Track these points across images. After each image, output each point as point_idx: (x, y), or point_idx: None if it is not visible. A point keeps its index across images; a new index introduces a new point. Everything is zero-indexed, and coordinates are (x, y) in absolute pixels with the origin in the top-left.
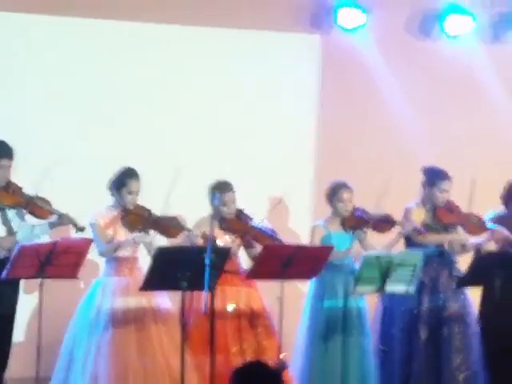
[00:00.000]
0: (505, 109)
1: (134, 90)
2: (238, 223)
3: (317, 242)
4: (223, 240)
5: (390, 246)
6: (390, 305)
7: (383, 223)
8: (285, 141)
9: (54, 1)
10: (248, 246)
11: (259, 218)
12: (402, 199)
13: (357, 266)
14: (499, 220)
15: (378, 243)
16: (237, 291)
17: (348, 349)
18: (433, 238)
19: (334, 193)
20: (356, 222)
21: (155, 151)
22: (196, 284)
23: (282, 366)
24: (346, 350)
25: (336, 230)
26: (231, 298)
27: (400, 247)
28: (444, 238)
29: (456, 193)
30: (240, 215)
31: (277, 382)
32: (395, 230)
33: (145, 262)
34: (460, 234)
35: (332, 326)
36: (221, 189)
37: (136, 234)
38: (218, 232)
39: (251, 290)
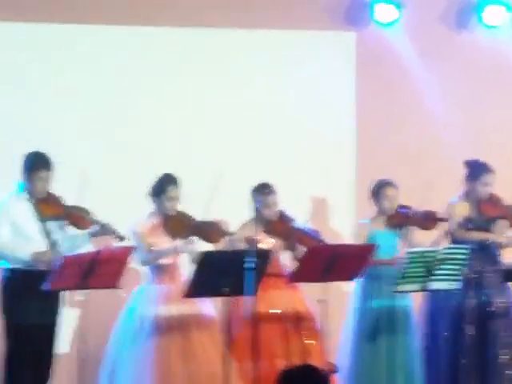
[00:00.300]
0: None
1: (170, 96)
2: (281, 225)
3: (362, 241)
4: (267, 243)
5: (435, 243)
6: (436, 302)
7: (428, 220)
8: (324, 141)
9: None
10: (291, 248)
11: (301, 219)
12: (445, 195)
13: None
14: None
15: (424, 241)
16: (281, 294)
17: (395, 349)
18: (476, 235)
19: (379, 190)
20: (401, 220)
21: (195, 156)
22: (238, 289)
23: (330, 370)
24: (392, 349)
25: (381, 229)
26: (275, 302)
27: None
28: (486, 236)
29: (497, 186)
30: (282, 217)
31: None
32: (441, 227)
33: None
34: (502, 228)
35: (379, 326)
36: (262, 191)
37: (178, 242)
38: (261, 235)
39: (295, 292)
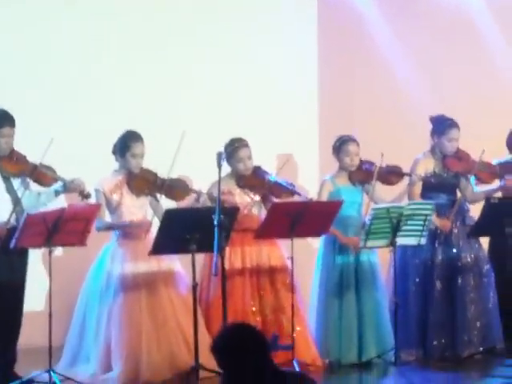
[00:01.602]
0: (504, 54)
1: (136, 52)
2: (255, 179)
3: (324, 197)
4: (241, 198)
5: (399, 197)
6: (404, 257)
7: (391, 175)
8: (288, 100)
9: None
10: (266, 201)
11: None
12: (408, 150)
13: (366, 219)
14: (504, 167)
15: (388, 195)
16: (257, 250)
17: (362, 303)
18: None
19: (340, 147)
20: (363, 176)
21: (160, 114)
22: (206, 246)
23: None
24: (360, 304)
25: (344, 184)
26: (251, 257)
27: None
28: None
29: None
30: (257, 171)
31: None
32: (404, 182)
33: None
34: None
35: (345, 281)
36: (235, 146)
37: (134, 220)
38: (235, 190)
39: (272, 247)
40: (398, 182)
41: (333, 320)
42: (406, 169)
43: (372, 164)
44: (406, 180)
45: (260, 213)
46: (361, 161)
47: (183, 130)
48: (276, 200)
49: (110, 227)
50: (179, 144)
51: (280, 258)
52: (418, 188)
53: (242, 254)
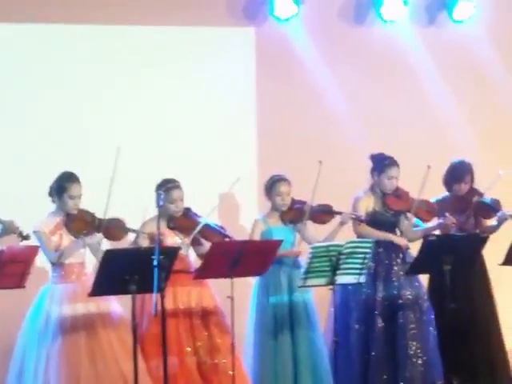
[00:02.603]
0: (440, 91)
1: (72, 88)
2: (186, 221)
3: (257, 237)
4: (172, 239)
5: (330, 236)
6: (345, 296)
7: (323, 214)
8: (226, 137)
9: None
10: (196, 244)
11: (209, 215)
12: (350, 189)
13: (300, 258)
14: (442, 204)
15: (319, 234)
16: (188, 291)
17: (297, 343)
18: (368, 232)
19: (272, 187)
20: (295, 215)
21: (93, 153)
22: (145, 286)
23: None
24: (295, 344)
25: (276, 224)
26: (182, 299)
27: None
28: (380, 236)
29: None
30: (187, 213)
31: None
32: (336, 221)
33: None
34: (409, 220)
35: (279, 322)
36: (167, 187)
37: (83, 239)
38: (166, 231)
39: (203, 289)
40: (329, 220)
41: (268, 362)
42: (338, 206)
43: (303, 203)
44: (337, 219)
45: (188, 254)
46: (292, 200)
47: (119, 167)
48: (206, 243)
49: (65, 254)
50: (113, 182)
51: (211, 299)
52: (362, 226)
53: (173, 295)
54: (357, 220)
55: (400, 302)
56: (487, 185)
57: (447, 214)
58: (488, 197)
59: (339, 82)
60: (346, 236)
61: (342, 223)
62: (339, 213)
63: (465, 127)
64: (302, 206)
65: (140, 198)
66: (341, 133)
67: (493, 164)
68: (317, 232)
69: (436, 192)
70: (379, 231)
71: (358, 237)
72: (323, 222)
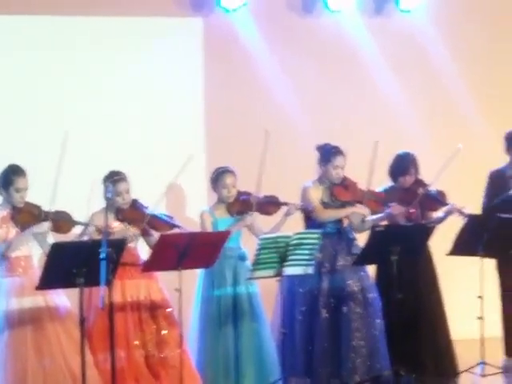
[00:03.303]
0: (386, 80)
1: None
2: (134, 212)
3: (209, 228)
4: (120, 231)
5: (276, 227)
6: (291, 287)
7: (269, 205)
8: (175, 127)
9: None
10: (146, 235)
11: (157, 207)
12: (299, 180)
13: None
14: (388, 195)
15: (266, 226)
16: (136, 284)
17: (241, 335)
18: (331, 214)
19: (217, 179)
20: (241, 206)
21: (39, 144)
22: (93, 279)
23: None
24: (238, 336)
25: (222, 216)
26: (131, 292)
27: (299, 228)
28: (342, 213)
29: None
30: (135, 204)
31: None
32: (282, 212)
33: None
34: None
35: (223, 314)
36: (114, 179)
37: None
38: (114, 223)
39: (151, 281)
40: (275, 211)
41: (211, 352)
42: (285, 196)
43: (249, 195)
44: (282, 210)
45: (136, 246)
46: (238, 192)
47: (66, 159)
48: (155, 233)
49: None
50: (59, 174)
51: (159, 292)
52: (323, 209)
53: (121, 288)
54: (305, 210)
55: (345, 293)
56: (446, 159)
57: (394, 204)
58: (433, 188)
59: (287, 72)
60: (291, 227)
61: (287, 214)
62: (285, 204)
63: (411, 115)
64: (247, 197)
65: (87, 189)
66: (288, 122)
67: (438, 153)
68: (263, 223)
69: (383, 180)
70: (340, 209)
71: (309, 227)
72: (269, 213)
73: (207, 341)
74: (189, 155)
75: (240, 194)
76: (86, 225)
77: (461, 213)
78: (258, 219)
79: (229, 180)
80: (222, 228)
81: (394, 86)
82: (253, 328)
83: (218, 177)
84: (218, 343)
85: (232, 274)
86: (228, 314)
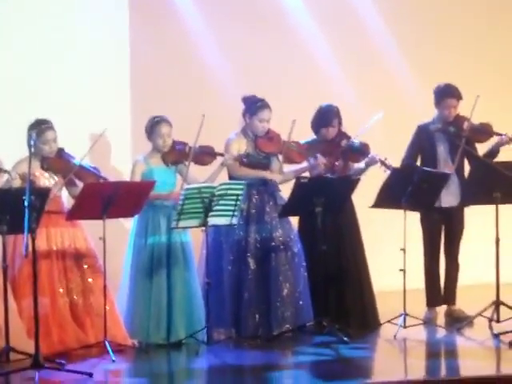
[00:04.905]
0: (317, 40)
1: None
2: (60, 162)
3: (138, 178)
4: (45, 180)
5: (212, 177)
6: (218, 237)
7: (204, 155)
8: (100, 80)
9: None
10: (70, 185)
11: (80, 156)
12: (224, 131)
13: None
14: (312, 147)
15: (201, 175)
16: (61, 232)
17: (173, 283)
18: (242, 172)
19: (153, 128)
20: (176, 156)
21: None
22: (17, 227)
23: None
24: (170, 284)
25: (157, 165)
26: (56, 239)
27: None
28: (253, 174)
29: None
30: (61, 154)
31: None
32: (217, 162)
33: None
34: (278, 163)
35: (156, 262)
36: (41, 128)
37: None
38: (39, 172)
39: (76, 229)
40: (210, 162)
41: (142, 301)
42: (218, 148)
43: (185, 144)
44: (218, 160)
45: (61, 195)
46: (174, 141)
47: None
48: (80, 184)
49: None
50: None
51: (84, 240)
52: (237, 167)
53: (47, 236)
54: (238, 161)
55: (272, 244)
56: (369, 121)
57: (318, 155)
58: (356, 140)
59: (214, 31)
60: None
61: (223, 164)
62: (221, 154)
63: (340, 73)
64: (183, 147)
65: (13, 139)
66: (215, 77)
67: (366, 110)
68: (198, 173)
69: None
70: (254, 170)
71: (233, 178)
72: (204, 164)
73: (138, 289)
74: (104, 128)
75: (176, 143)
76: (8, 172)
77: (383, 163)
78: (191, 169)
79: (164, 129)
80: (156, 177)
81: (324, 46)
82: (185, 277)
83: (154, 126)
84: (150, 291)
85: (166, 223)
86: (161, 262)
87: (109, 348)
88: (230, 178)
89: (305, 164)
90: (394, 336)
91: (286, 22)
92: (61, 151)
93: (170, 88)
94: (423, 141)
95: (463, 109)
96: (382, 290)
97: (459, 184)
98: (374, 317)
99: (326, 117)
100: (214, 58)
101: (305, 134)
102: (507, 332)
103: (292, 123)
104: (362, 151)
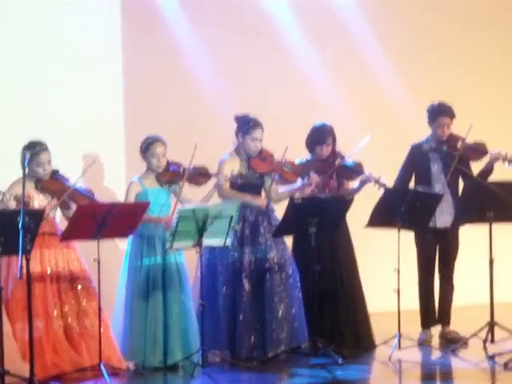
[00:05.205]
0: (306, 52)
1: None
2: (55, 184)
3: (132, 198)
4: (39, 202)
5: (206, 198)
6: (213, 258)
7: (199, 176)
8: (93, 101)
9: None
10: (64, 207)
11: (74, 178)
12: (216, 151)
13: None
14: (306, 166)
15: (196, 196)
16: (55, 253)
17: (169, 305)
18: (231, 194)
19: (147, 148)
20: (170, 176)
21: None
22: (11, 249)
23: None
24: (166, 306)
25: (151, 186)
26: (50, 261)
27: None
28: (240, 197)
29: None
30: (55, 175)
31: None
32: (211, 183)
33: None
34: (273, 185)
35: (152, 284)
36: (35, 149)
37: None
38: (34, 193)
39: (70, 251)
40: (205, 182)
41: (139, 322)
42: (212, 168)
43: (179, 165)
44: (213, 181)
45: (55, 216)
46: (168, 162)
47: None
48: (74, 206)
49: None
50: None
51: (78, 262)
52: (227, 188)
53: (40, 257)
54: (231, 182)
55: (267, 265)
56: (355, 148)
57: (311, 172)
58: (350, 160)
59: (203, 40)
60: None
61: (217, 185)
62: (215, 175)
63: (331, 88)
64: (177, 167)
65: (7, 162)
66: (206, 93)
67: (359, 128)
68: (192, 194)
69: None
70: (238, 193)
71: (222, 200)
72: (199, 184)
73: (134, 311)
74: (93, 158)
75: (170, 164)
76: (3, 193)
77: (377, 182)
78: (185, 190)
79: (159, 149)
80: (151, 198)
81: (316, 64)
82: (180, 299)
83: (148, 146)
84: (145, 312)
85: (161, 244)
86: (157, 284)
87: (104, 371)
88: (223, 198)
89: (299, 183)
90: (389, 357)
91: (279, 41)
92: (55, 173)
93: (164, 108)
94: (417, 160)
95: (457, 127)
96: (376, 311)
97: (453, 203)
98: (368, 338)
99: (320, 135)
100: (210, 77)
101: (298, 154)
102: (502, 353)
103: (284, 150)
104: (355, 170)
